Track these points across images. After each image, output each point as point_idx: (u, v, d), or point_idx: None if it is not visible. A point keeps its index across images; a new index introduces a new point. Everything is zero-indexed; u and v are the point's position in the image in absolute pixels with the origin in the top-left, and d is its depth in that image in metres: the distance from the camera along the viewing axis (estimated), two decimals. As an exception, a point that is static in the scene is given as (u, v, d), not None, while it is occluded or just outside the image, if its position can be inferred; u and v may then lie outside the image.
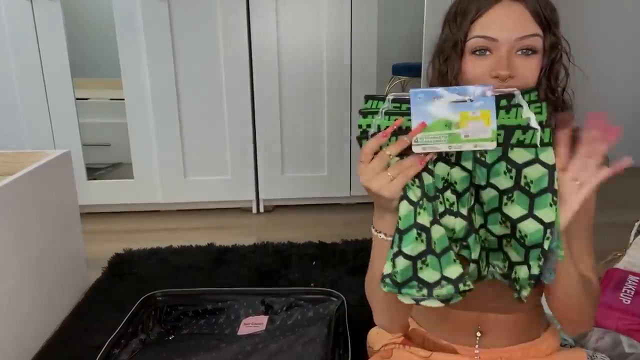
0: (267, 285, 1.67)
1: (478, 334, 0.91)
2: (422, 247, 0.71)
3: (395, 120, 0.69)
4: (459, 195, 0.74)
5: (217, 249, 1.95)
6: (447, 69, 0.81)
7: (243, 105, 2.25)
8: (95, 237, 2.01)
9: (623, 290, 1.45)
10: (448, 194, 0.73)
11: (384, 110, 0.70)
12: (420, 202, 0.71)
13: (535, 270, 0.72)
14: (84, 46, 2.71)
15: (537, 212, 0.70)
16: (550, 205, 0.69)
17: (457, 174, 0.73)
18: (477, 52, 0.78)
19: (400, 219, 0.71)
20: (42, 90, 2.15)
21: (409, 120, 0.68)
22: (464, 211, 0.74)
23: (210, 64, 2.19)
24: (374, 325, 1.09)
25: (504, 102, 0.68)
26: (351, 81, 2.26)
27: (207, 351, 1.28)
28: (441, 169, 0.73)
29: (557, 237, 0.71)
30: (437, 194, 0.73)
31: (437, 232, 0.72)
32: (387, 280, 0.74)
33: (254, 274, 1.75)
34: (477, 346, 0.92)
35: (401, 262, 0.72)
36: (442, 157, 0.73)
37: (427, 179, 0.71)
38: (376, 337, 1.06)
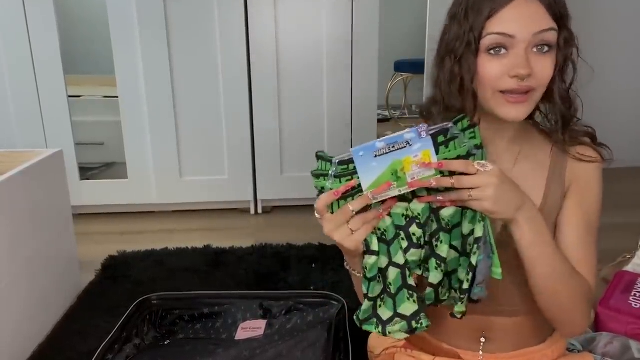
0: (266, 288, 1.67)
1: (482, 339, 0.92)
2: (379, 287, 0.80)
3: (347, 182, 0.73)
4: (423, 226, 0.77)
5: (214, 251, 1.95)
6: (459, 70, 0.81)
7: (241, 103, 2.25)
8: (88, 239, 2.01)
9: (632, 294, 1.45)
10: (414, 228, 0.77)
11: (333, 174, 0.74)
12: (380, 248, 0.78)
13: (465, 285, 0.77)
14: (76, 42, 2.72)
15: (470, 226, 0.76)
16: (479, 221, 0.75)
17: (416, 206, 0.76)
18: (493, 51, 0.77)
19: (366, 268, 0.77)
20: (34, 87, 2.15)
21: (359, 178, 0.73)
22: (427, 238, 0.78)
23: (207, 61, 2.19)
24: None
25: (441, 139, 0.72)
26: (352, 79, 2.26)
27: (203, 356, 1.28)
28: (399, 207, 0.76)
29: (491, 251, 0.76)
30: (399, 231, 0.77)
31: (393, 273, 0.78)
32: (355, 316, 0.83)
33: (252, 277, 1.75)
34: (481, 351, 0.92)
35: (365, 303, 0.81)
36: (399, 199, 0.76)
37: (384, 222, 0.76)
38: (377, 341, 1.07)
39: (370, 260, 0.77)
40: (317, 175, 0.78)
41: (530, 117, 0.88)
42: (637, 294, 1.45)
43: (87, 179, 2.36)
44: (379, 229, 0.77)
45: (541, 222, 0.78)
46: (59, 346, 1.40)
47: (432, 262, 0.78)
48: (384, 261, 0.78)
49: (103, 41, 2.16)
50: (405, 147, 0.70)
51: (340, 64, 2.24)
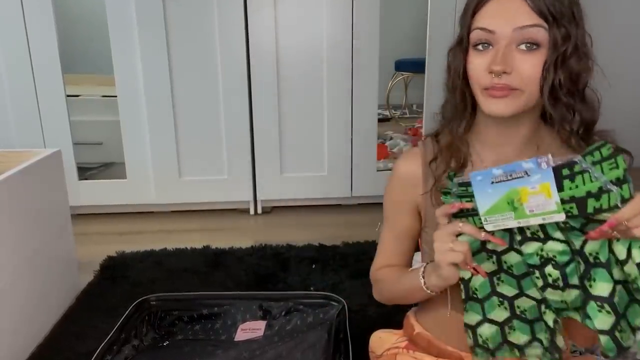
0: (265, 289, 1.67)
1: None
2: (506, 313, 0.79)
3: (465, 202, 0.75)
4: (562, 267, 0.73)
5: (213, 252, 1.95)
6: (452, 67, 0.84)
7: (240, 102, 2.25)
8: (86, 239, 2.01)
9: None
10: (549, 269, 0.74)
11: (455, 193, 0.77)
12: (498, 276, 0.78)
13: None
14: (75, 41, 2.72)
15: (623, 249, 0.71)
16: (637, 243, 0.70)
17: (551, 246, 0.73)
18: (480, 46, 0.79)
19: (476, 289, 0.79)
20: (32, 86, 2.15)
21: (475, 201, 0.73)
22: (574, 281, 0.73)
23: (206, 60, 2.19)
24: (375, 329, 1.10)
25: (565, 172, 0.67)
26: (352, 78, 2.26)
27: (202, 358, 1.28)
28: (532, 246, 0.75)
29: None
30: (531, 269, 0.76)
31: (526, 302, 0.78)
32: (478, 350, 0.82)
33: (252, 278, 1.75)
34: None
35: (487, 328, 0.80)
36: (529, 237, 0.75)
37: (514, 257, 0.77)
38: (378, 342, 1.06)
39: (480, 280, 0.78)
40: (445, 192, 0.80)
41: (545, 119, 0.86)
42: None
43: (86, 179, 2.36)
44: (497, 259, 0.78)
45: None
46: (57, 347, 1.40)
47: (592, 306, 0.72)
48: (507, 290, 0.79)
49: (102, 40, 2.16)
50: (522, 176, 0.68)
51: (341, 64, 2.24)
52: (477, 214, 0.73)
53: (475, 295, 0.80)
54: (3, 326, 1.29)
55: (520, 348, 0.80)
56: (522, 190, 0.68)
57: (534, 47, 0.76)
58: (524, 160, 0.68)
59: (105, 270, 1.82)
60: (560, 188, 0.67)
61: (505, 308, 0.78)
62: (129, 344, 1.33)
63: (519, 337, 0.79)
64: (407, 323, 1.02)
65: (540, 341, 0.79)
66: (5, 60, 2.12)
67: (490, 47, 0.78)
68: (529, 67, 0.77)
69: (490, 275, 0.79)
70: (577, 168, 0.67)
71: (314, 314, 1.45)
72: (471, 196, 0.72)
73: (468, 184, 0.72)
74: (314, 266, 1.83)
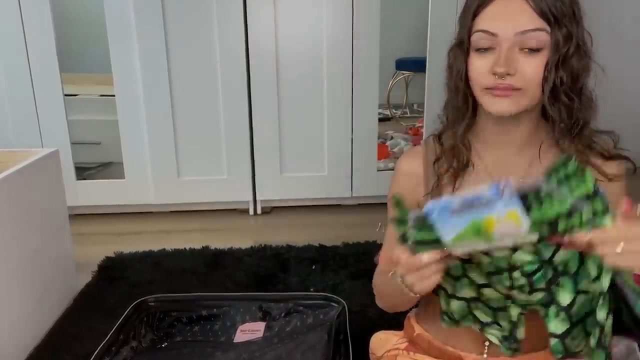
0: (265, 289, 1.67)
1: (487, 343, 0.91)
2: (474, 294, 0.80)
3: (427, 232, 0.69)
4: (530, 275, 0.73)
5: (212, 252, 1.95)
6: (453, 68, 0.85)
7: (239, 101, 2.25)
8: (84, 240, 2.00)
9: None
10: (517, 274, 0.73)
11: (412, 225, 0.71)
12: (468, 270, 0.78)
13: (592, 342, 0.73)
14: (73, 40, 2.72)
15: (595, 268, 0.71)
16: (607, 271, 0.70)
17: (521, 257, 0.71)
18: (481, 50, 0.80)
19: (449, 268, 0.77)
20: (29, 85, 2.15)
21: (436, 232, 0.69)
22: (541, 286, 0.73)
23: (205, 59, 2.19)
24: (376, 331, 1.10)
25: (532, 196, 0.65)
26: (352, 78, 2.26)
27: (202, 359, 1.28)
28: (501, 253, 0.72)
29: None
30: (500, 271, 0.74)
31: (493, 294, 0.78)
32: (445, 317, 0.83)
33: (251, 278, 1.75)
34: (485, 354, 0.92)
35: (455, 303, 0.82)
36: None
37: (484, 259, 0.73)
38: (379, 343, 1.06)
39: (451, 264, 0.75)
40: (397, 220, 0.74)
41: (546, 118, 0.87)
42: None
43: (84, 179, 2.36)
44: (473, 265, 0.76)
45: None
46: (55, 348, 1.40)
47: (552, 309, 0.74)
48: (480, 279, 0.77)
49: (100, 39, 2.16)
50: (485, 205, 0.65)
51: (341, 63, 2.24)
52: (440, 244, 0.69)
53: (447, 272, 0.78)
54: (0, 327, 1.29)
55: (482, 325, 0.82)
56: (487, 219, 0.66)
57: (536, 49, 0.77)
58: (483, 189, 0.65)
59: (103, 271, 1.81)
60: (528, 212, 0.65)
61: (474, 290, 0.79)
62: (127, 346, 1.33)
63: (482, 315, 0.82)
64: (407, 324, 1.03)
65: (501, 327, 0.81)
66: (3, 59, 2.12)
67: (491, 49, 0.79)
68: (531, 69, 0.78)
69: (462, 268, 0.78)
70: (543, 190, 0.65)
71: (313, 315, 1.45)
72: (430, 227, 0.69)
73: (425, 218, 0.69)
74: (314, 267, 1.83)
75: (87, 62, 2.76)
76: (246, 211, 2.43)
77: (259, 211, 2.43)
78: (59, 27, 2.13)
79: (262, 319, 1.46)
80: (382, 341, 1.05)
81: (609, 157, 0.86)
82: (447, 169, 0.89)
